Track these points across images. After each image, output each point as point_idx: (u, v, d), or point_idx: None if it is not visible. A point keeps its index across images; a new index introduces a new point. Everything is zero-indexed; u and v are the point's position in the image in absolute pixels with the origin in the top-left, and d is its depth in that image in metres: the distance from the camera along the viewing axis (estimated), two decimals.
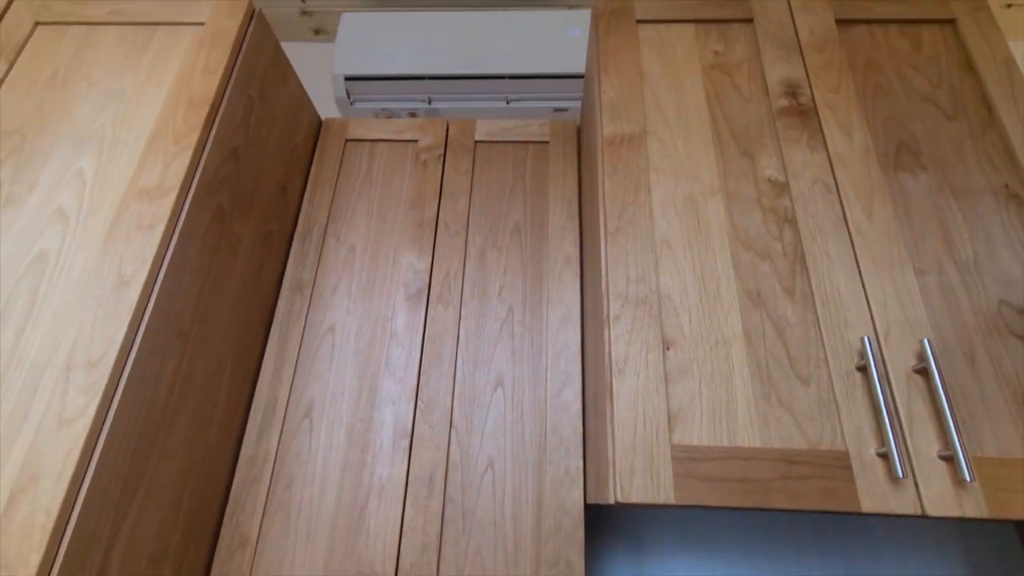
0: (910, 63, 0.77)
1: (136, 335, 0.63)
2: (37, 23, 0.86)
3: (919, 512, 0.52)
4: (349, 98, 1.41)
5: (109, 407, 0.59)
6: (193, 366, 0.73)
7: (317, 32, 1.66)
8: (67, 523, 0.54)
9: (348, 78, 1.38)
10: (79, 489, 0.55)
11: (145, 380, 0.64)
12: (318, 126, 1.13)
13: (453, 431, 0.85)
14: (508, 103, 1.45)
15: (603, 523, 0.99)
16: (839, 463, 0.54)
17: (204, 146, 0.75)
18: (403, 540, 0.78)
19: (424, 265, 0.98)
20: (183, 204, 0.71)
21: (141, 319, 0.64)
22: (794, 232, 0.66)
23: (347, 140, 1.11)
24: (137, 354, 0.62)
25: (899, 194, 0.68)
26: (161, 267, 0.67)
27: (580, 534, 0.77)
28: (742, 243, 0.65)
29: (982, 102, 0.73)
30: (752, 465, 0.54)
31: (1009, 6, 0.78)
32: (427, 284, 0.96)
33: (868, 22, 0.81)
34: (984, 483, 0.53)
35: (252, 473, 0.82)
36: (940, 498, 0.52)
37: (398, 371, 0.89)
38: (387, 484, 0.81)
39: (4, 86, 0.80)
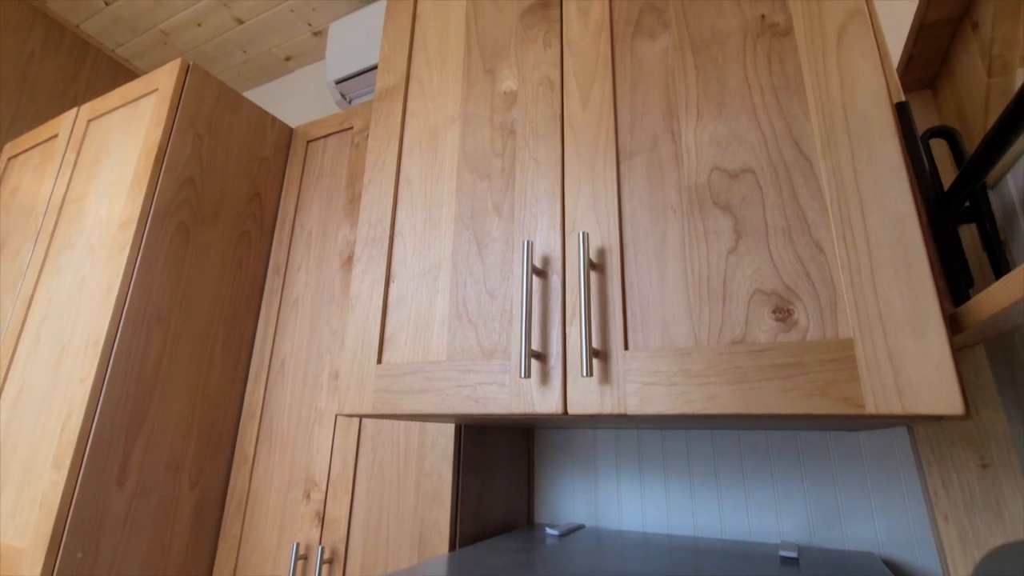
0: None
1: (119, 322, 0.95)
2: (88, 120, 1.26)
3: (562, 411, 0.51)
4: (346, 99, 1.63)
5: (107, 367, 0.92)
6: (179, 338, 1.04)
7: None
8: (88, 434, 0.89)
9: (338, 81, 1.59)
10: (93, 415, 0.90)
11: (132, 350, 0.96)
12: (289, 135, 1.37)
13: None
14: None
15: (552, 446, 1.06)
16: (502, 368, 0.55)
17: (156, 182, 1.04)
18: (333, 455, 0.99)
19: (353, 235, 1.14)
20: (144, 228, 1.01)
21: (121, 311, 0.96)
22: (513, 143, 0.64)
23: (308, 141, 1.33)
24: (121, 334, 0.94)
25: (628, 67, 0.59)
26: (132, 274, 0.98)
27: (450, 449, 0.88)
28: (468, 166, 0.67)
29: None
30: (434, 376, 0.59)
31: None
32: (352, 251, 1.12)
33: None
34: (631, 377, 0.49)
35: (250, 410, 1.13)
36: (584, 396, 0.50)
37: (333, 324, 1.09)
38: (324, 414, 1.03)
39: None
